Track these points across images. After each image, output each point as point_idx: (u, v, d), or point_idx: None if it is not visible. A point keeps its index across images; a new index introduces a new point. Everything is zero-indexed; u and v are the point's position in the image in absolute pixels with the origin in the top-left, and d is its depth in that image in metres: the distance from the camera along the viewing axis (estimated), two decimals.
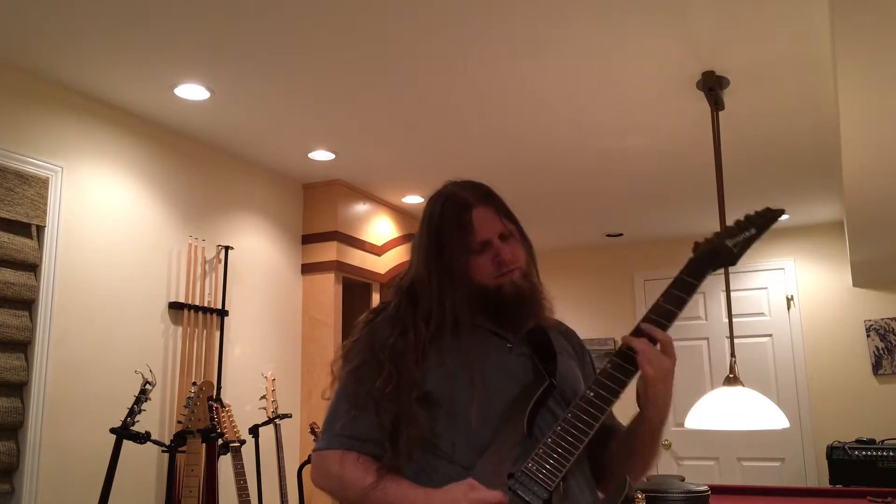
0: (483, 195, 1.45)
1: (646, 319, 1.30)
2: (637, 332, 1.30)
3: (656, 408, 1.29)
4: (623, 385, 1.27)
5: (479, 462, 1.26)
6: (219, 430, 3.00)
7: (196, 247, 3.53)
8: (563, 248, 5.98)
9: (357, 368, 1.36)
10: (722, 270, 3.04)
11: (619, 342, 1.33)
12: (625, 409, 1.34)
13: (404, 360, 1.32)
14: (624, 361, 1.28)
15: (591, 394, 1.27)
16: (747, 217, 1.33)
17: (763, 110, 3.23)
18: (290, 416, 3.55)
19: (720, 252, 1.32)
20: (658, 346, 1.28)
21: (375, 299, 4.51)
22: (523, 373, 1.37)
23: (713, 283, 5.65)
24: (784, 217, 4.96)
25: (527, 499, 1.20)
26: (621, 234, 5.58)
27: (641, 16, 2.45)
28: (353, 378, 1.36)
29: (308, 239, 4.28)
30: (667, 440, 5.47)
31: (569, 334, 1.56)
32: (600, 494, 1.37)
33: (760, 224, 1.31)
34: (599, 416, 1.25)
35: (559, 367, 1.39)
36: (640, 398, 1.30)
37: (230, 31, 2.53)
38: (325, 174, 4.15)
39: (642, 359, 1.25)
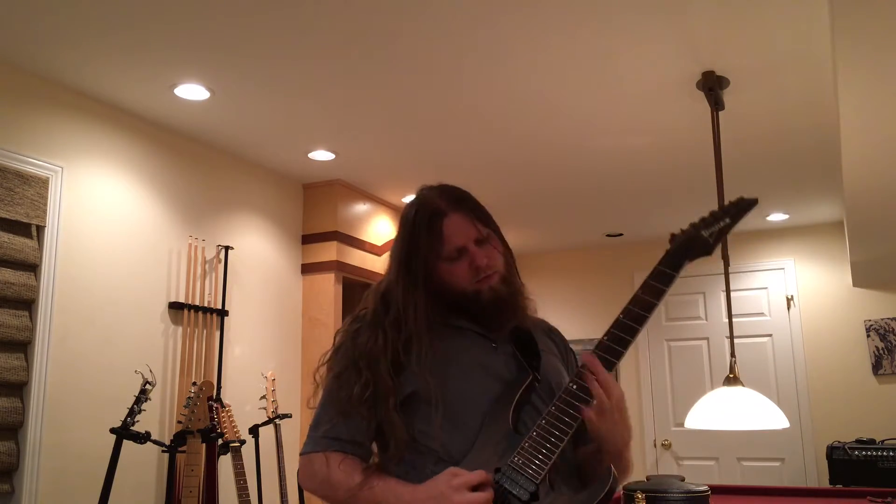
0: (456, 200, 1.44)
1: (626, 311, 1.31)
2: (581, 370, 1.29)
3: (611, 439, 1.29)
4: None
5: (466, 458, 1.27)
6: (219, 430, 3.00)
7: (196, 247, 3.53)
8: (563, 248, 5.98)
9: (339, 375, 1.39)
10: (722, 271, 3.04)
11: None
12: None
13: (377, 367, 1.34)
14: (606, 353, 1.29)
15: (575, 386, 1.28)
16: (721, 207, 1.35)
17: (763, 110, 3.23)
18: (290, 416, 3.55)
19: (696, 242, 1.33)
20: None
21: None
22: (507, 371, 1.39)
23: (713, 283, 5.67)
24: (784, 217, 4.99)
25: (514, 492, 1.22)
26: (621, 234, 5.58)
27: (642, 16, 2.45)
28: (335, 384, 1.39)
29: (308, 239, 4.28)
30: (666, 440, 5.47)
31: (552, 332, 1.57)
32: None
33: (734, 214, 1.33)
34: (584, 408, 1.26)
35: (543, 363, 1.41)
36: (591, 433, 1.29)
37: (230, 31, 2.53)
38: (325, 174, 4.14)
39: (587, 414, 1.26)
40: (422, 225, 1.41)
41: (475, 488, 1.20)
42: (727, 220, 1.32)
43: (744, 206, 1.32)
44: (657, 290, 1.30)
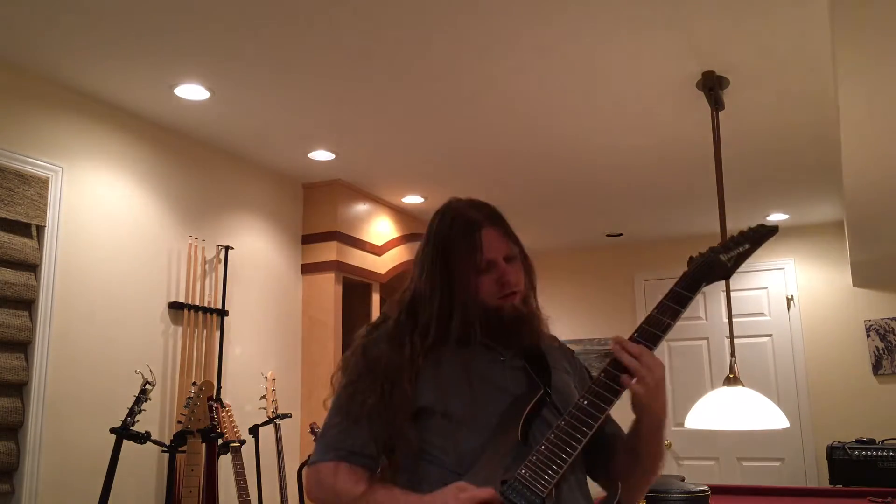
0: (490, 215, 1.47)
1: (640, 330, 1.31)
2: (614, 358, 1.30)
3: (653, 413, 1.29)
4: (617, 394, 1.28)
5: (473, 469, 1.26)
6: (219, 430, 3.00)
7: (196, 247, 3.53)
8: (563, 248, 5.98)
9: (352, 383, 1.37)
10: None
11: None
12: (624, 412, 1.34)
13: (398, 377, 1.33)
14: (618, 370, 1.28)
15: (585, 402, 1.27)
16: (741, 233, 1.36)
17: (763, 110, 3.23)
18: (290, 416, 3.55)
19: (715, 266, 1.34)
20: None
21: (375, 299, 4.51)
22: (515, 384, 1.38)
23: (713, 283, 5.64)
24: (784, 217, 4.99)
25: None
26: (621, 234, 5.58)
27: (642, 16, 2.45)
28: (347, 393, 1.37)
29: (308, 239, 4.28)
30: (667, 440, 5.46)
31: (564, 351, 1.57)
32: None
33: (754, 240, 1.34)
34: (593, 424, 1.25)
35: (554, 379, 1.40)
36: (636, 408, 1.31)
37: (230, 31, 2.53)
38: (325, 174, 4.14)
39: (625, 380, 1.26)
40: (459, 235, 1.42)
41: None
42: (747, 246, 1.34)
43: (764, 233, 1.34)
44: (673, 311, 1.31)
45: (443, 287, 1.39)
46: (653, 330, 1.30)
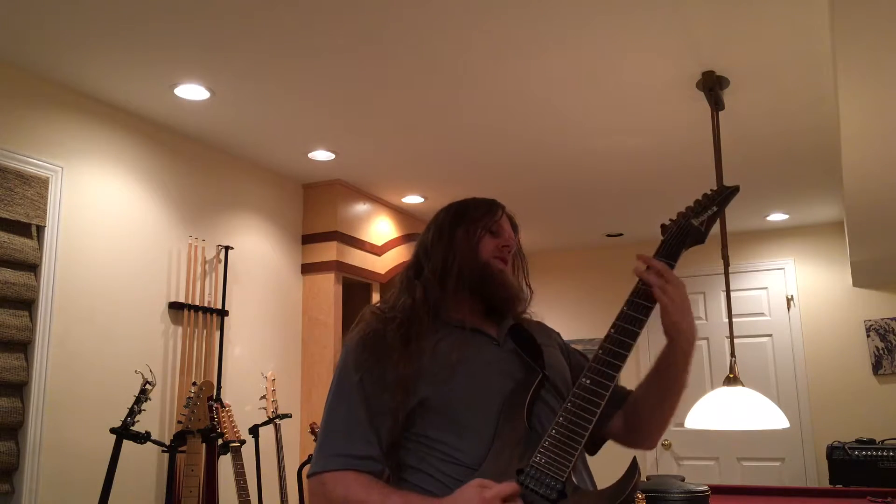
0: (504, 209, 1.56)
1: (629, 303, 1.33)
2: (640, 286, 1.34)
3: (683, 331, 1.33)
4: (618, 370, 1.28)
5: (485, 461, 1.25)
6: (219, 430, 3.00)
7: (196, 247, 3.53)
8: (563, 248, 5.98)
9: (348, 374, 1.36)
10: (722, 271, 3.04)
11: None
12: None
13: (394, 351, 1.34)
14: (616, 347, 1.30)
15: (588, 381, 1.28)
16: (705, 196, 1.38)
17: (763, 110, 3.23)
18: (290, 416, 3.55)
19: (689, 231, 1.36)
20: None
21: (375, 299, 4.51)
22: (514, 368, 1.38)
23: (713, 283, 5.67)
24: (784, 217, 4.99)
25: (540, 492, 1.20)
26: (621, 234, 5.58)
27: (642, 16, 2.45)
28: (346, 383, 1.35)
29: (308, 239, 4.28)
30: (666, 440, 5.47)
31: (549, 330, 1.58)
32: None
33: (720, 201, 1.37)
34: (600, 403, 1.26)
35: (547, 358, 1.41)
36: (667, 327, 1.33)
37: (230, 31, 2.53)
38: (325, 174, 4.15)
39: (658, 292, 1.29)
40: (476, 204, 1.51)
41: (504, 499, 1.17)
42: (715, 208, 1.35)
43: (728, 194, 1.36)
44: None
45: (450, 237, 1.44)
46: (642, 301, 1.32)
